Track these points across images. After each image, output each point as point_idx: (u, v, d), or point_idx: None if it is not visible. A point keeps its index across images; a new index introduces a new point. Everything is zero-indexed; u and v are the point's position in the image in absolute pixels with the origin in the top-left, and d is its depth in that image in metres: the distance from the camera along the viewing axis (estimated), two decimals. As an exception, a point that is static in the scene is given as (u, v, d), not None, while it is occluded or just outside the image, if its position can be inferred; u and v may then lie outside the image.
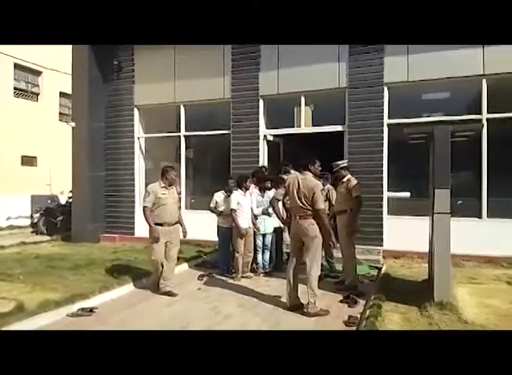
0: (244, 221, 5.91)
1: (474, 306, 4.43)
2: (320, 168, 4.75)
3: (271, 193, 6.25)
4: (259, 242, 6.18)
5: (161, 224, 5.09)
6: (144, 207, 5.11)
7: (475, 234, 6.54)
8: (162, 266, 5.18)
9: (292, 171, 6.52)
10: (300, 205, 4.40)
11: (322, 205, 4.41)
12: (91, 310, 4.46)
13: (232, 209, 5.86)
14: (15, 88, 16.06)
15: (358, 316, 4.28)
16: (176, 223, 5.30)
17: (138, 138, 9.38)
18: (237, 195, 5.94)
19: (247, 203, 5.97)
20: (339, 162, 5.65)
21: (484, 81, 6.78)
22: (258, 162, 8.01)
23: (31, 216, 11.61)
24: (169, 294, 5.15)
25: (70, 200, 10.15)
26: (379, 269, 6.43)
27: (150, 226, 5.08)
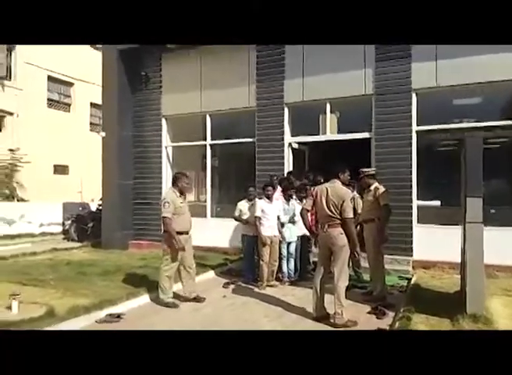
0: (269, 229, 5.88)
1: (508, 319, 4.24)
2: (349, 177, 4.70)
3: (294, 201, 6.24)
4: (284, 250, 6.14)
5: (180, 233, 5.04)
6: (166, 218, 4.95)
7: (509, 244, 6.27)
8: (180, 275, 5.19)
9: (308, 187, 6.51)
10: (329, 213, 4.35)
11: (351, 213, 4.34)
12: (119, 316, 4.53)
13: (256, 217, 5.87)
14: (48, 99, 16.70)
15: (387, 327, 4.17)
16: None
17: (166, 147, 9.54)
18: (262, 203, 5.94)
19: (272, 211, 5.95)
20: (365, 169, 5.56)
21: (517, 86, 6.56)
22: (283, 169, 7.99)
23: (63, 223, 11.95)
24: (197, 299, 5.19)
25: (100, 207, 10.40)
26: (409, 279, 6.26)
27: (174, 236, 4.91)
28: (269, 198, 6.00)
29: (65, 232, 11.56)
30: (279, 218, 6.05)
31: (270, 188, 6.03)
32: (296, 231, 6.17)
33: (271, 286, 5.91)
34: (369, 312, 4.72)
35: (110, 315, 4.54)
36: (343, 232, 4.31)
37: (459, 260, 5.22)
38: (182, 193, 5.20)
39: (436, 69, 6.90)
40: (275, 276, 6.07)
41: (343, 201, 4.29)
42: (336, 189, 4.40)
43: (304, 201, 5.30)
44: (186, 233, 5.18)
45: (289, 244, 6.18)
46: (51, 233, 11.93)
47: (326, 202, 4.38)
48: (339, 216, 4.32)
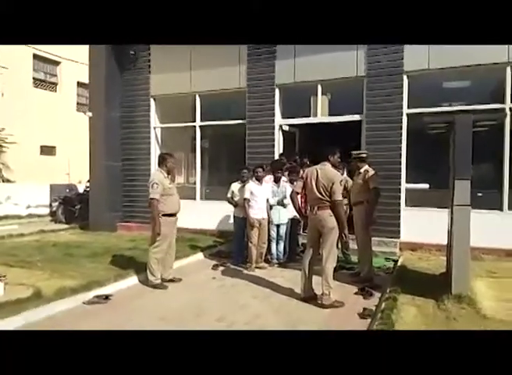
0: (258, 211, 5.88)
1: (493, 300, 4.32)
2: (339, 159, 4.68)
3: (285, 183, 6.22)
4: (273, 233, 6.16)
5: (170, 215, 5.02)
6: (153, 199, 4.85)
7: (495, 227, 6.36)
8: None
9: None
10: (319, 196, 4.35)
11: (340, 196, 4.34)
12: (107, 297, 4.52)
13: (244, 199, 5.86)
14: (34, 78, 16.29)
15: (373, 308, 4.23)
16: None
17: (154, 128, 9.40)
18: (251, 185, 5.91)
19: (261, 193, 5.93)
20: (356, 152, 5.56)
21: (508, 69, 6.54)
22: (274, 152, 7.94)
23: (50, 205, 11.81)
24: (174, 280, 5.23)
25: (88, 189, 10.28)
26: (396, 261, 6.34)
27: (156, 220, 4.85)
28: (259, 180, 5.98)
29: (52, 214, 11.43)
30: (268, 200, 6.05)
31: (260, 170, 5.99)
32: (285, 214, 6.18)
33: (259, 268, 5.94)
34: (356, 293, 4.78)
35: (98, 296, 4.52)
36: (332, 214, 4.31)
37: (445, 242, 5.29)
38: (169, 174, 5.13)
39: (428, 51, 6.85)
40: (263, 258, 6.10)
41: (333, 184, 4.28)
42: (326, 171, 4.39)
43: (295, 183, 5.29)
44: (175, 215, 5.15)
45: (278, 226, 6.19)
46: (39, 215, 11.80)
47: (316, 184, 4.37)
48: (328, 198, 4.31)
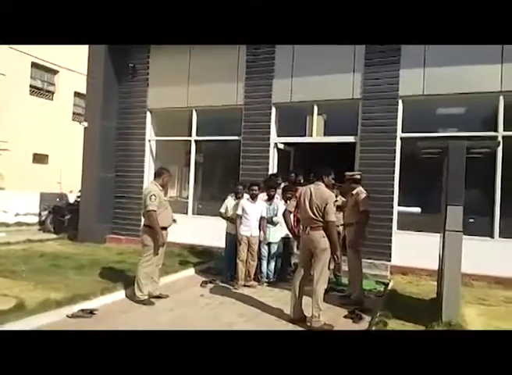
0: (247, 228, 5.84)
1: (482, 327, 4.29)
2: (333, 180, 4.68)
3: (278, 202, 6.19)
4: (264, 251, 6.10)
5: (163, 228, 5.01)
6: (152, 211, 4.87)
7: (486, 254, 6.36)
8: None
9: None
10: (312, 216, 4.32)
11: (334, 217, 4.31)
12: (91, 312, 4.41)
13: (237, 215, 5.84)
14: (31, 86, 16.27)
15: (363, 332, 4.16)
16: None
17: (149, 141, 9.38)
18: (244, 202, 5.89)
19: (253, 211, 5.89)
20: (351, 173, 5.57)
21: (501, 98, 6.66)
22: (268, 169, 7.94)
23: (39, 214, 11.64)
24: (161, 296, 5.15)
25: (79, 199, 10.17)
26: (386, 284, 6.30)
27: (158, 231, 4.89)
28: (253, 197, 5.94)
29: (41, 223, 11.25)
30: (262, 218, 5.99)
31: (255, 187, 5.95)
32: (276, 232, 6.13)
33: (248, 286, 5.85)
34: (346, 316, 4.72)
35: (82, 310, 4.41)
36: (325, 235, 4.28)
37: (436, 267, 5.27)
38: (163, 187, 5.14)
39: (424, 77, 6.97)
40: (252, 276, 6.01)
41: (327, 204, 4.26)
42: (320, 192, 4.37)
43: (289, 202, 5.27)
44: (166, 228, 5.12)
45: (269, 244, 6.14)
46: (27, 224, 11.61)
47: (309, 204, 4.35)
48: (321, 219, 4.29)
